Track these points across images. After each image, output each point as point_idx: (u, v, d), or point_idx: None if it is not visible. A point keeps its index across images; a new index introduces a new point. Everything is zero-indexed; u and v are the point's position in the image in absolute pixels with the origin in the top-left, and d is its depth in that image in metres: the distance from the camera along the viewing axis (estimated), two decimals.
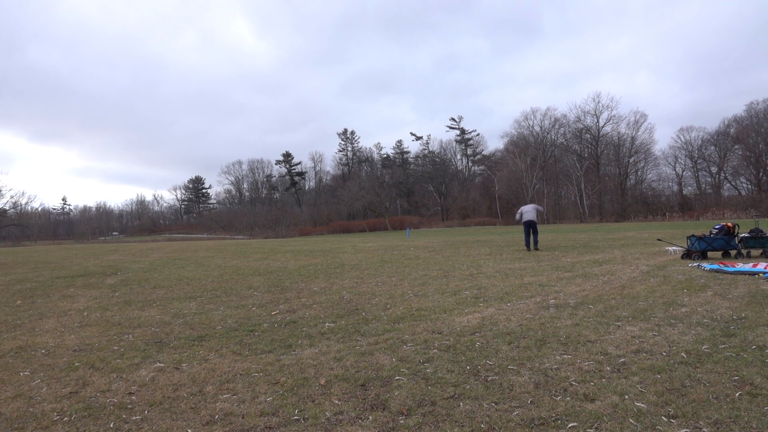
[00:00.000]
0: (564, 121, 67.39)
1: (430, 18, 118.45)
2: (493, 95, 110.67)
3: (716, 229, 10.29)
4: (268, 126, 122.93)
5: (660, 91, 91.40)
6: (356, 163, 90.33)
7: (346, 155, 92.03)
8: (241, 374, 3.63)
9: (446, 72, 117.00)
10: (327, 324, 5.26)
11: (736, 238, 10.14)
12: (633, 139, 62.08)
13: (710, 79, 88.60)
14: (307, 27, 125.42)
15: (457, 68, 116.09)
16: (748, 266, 8.08)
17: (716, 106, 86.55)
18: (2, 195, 66.59)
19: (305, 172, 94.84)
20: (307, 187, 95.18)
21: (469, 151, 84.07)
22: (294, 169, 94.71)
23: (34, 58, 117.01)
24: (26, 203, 75.99)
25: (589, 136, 65.30)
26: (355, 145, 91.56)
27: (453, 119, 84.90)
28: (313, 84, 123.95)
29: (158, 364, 4.00)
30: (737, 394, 2.85)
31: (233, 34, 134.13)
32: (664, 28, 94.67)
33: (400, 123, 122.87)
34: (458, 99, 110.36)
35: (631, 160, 62.58)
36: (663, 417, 2.60)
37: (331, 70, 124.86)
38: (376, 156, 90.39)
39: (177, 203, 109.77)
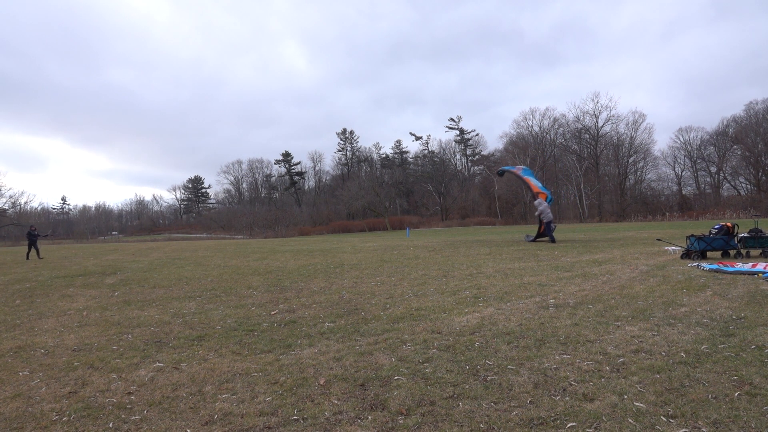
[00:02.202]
0: (563, 121, 67.49)
1: (472, 47, 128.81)
2: (507, 107, 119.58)
3: (715, 229, 10.30)
4: (295, 133, 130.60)
5: (657, 104, 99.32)
6: (355, 162, 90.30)
7: (346, 155, 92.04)
8: (240, 374, 3.63)
9: (469, 88, 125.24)
10: (326, 324, 5.26)
11: (736, 238, 10.15)
12: (632, 139, 62.14)
13: (699, 96, 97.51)
14: (357, 52, 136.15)
15: (481, 86, 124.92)
16: (747, 266, 8.09)
17: (705, 117, 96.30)
18: (1, 195, 66.63)
19: (305, 172, 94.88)
20: (306, 187, 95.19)
21: (469, 151, 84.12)
22: (293, 168, 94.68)
23: (109, 78, 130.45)
24: (25, 203, 76.03)
25: (588, 136, 65.32)
26: (354, 144, 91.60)
27: (452, 119, 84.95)
28: (347, 97, 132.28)
29: (157, 363, 4.00)
30: (736, 394, 2.85)
31: (288, 56, 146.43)
32: (662, 55, 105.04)
33: (419, 130, 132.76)
34: (476, 110, 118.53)
35: (630, 160, 62.63)
36: (662, 417, 2.60)
37: (367, 87, 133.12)
38: (375, 156, 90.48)
39: (176, 203, 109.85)
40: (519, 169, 20.16)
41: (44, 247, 36.63)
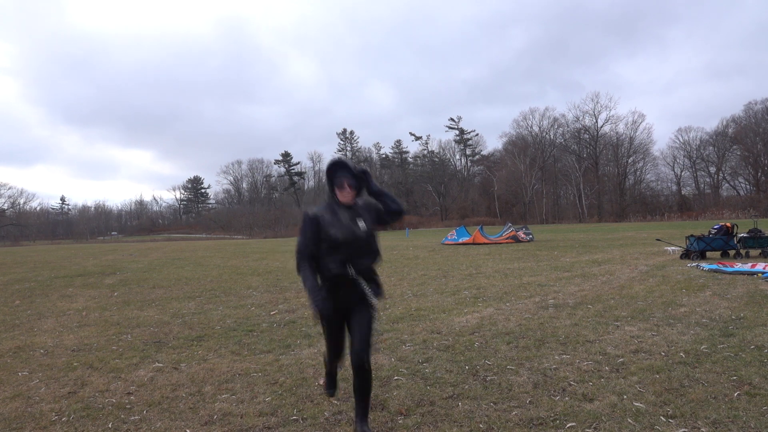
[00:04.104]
0: (563, 121, 67.56)
1: (473, 44, 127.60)
2: (508, 107, 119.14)
3: (715, 229, 10.31)
4: (297, 133, 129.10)
5: (657, 105, 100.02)
6: (355, 163, 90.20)
7: (345, 155, 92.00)
8: (239, 374, 3.63)
9: (475, 91, 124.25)
10: None
11: (735, 238, 10.16)
12: (631, 139, 62.22)
13: (699, 96, 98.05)
14: (362, 53, 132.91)
15: (485, 88, 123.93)
16: (746, 266, 8.09)
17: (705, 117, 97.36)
18: (0, 195, 66.63)
19: (304, 172, 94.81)
20: (306, 187, 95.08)
21: (468, 151, 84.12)
22: (293, 168, 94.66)
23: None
24: (24, 203, 75.99)
25: (587, 136, 65.38)
26: (354, 145, 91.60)
27: (452, 119, 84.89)
28: (350, 100, 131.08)
29: (157, 364, 3.99)
30: (736, 394, 2.85)
31: (295, 70, 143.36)
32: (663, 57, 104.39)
33: (420, 130, 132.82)
34: (477, 110, 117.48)
35: (629, 160, 62.68)
36: (661, 417, 2.60)
37: (369, 89, 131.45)
38: (374, 156, 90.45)
39: (176, 203, 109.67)
40: (452, 235, 20.79)
41: (43, 248, 36.61)
